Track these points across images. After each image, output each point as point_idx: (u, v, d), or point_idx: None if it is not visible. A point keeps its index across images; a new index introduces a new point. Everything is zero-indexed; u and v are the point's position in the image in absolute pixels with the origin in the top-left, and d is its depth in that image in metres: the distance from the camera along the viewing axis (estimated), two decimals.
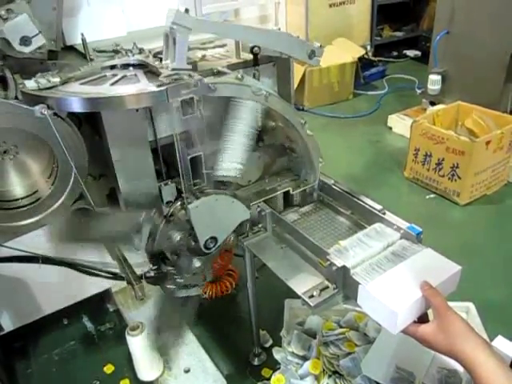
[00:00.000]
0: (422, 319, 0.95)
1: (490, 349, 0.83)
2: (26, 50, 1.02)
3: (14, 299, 1.68)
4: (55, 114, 0.97)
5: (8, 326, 1.69)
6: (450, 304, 0.92)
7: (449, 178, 2.47)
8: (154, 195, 1.18)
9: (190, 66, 1.03)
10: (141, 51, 1.21)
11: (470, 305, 1.49)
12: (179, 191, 1.20)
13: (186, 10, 0.95)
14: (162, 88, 0.95)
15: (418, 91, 3.91)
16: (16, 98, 0.98)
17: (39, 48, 1.05)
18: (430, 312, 0.95)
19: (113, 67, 1.16)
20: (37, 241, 1.53)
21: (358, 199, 1.22)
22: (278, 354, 1.44)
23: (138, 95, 0.95)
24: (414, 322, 0.94)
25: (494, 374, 0.79)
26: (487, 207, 2.48)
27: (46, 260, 1.56)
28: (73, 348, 1.76)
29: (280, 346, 1.46)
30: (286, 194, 1.33)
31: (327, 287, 1.03)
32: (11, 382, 1.61)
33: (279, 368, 1.39)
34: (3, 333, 1.67)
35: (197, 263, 1.17)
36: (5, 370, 1.62)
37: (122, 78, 1.07)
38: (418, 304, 0.92)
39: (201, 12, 3.34)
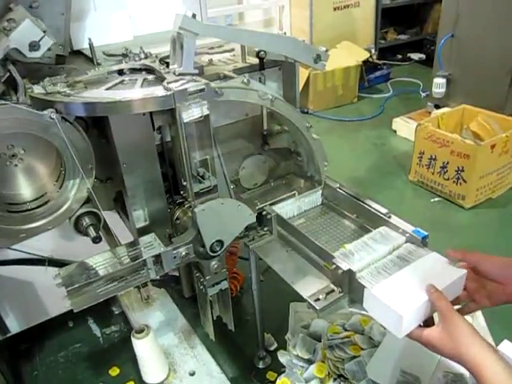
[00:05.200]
0: (427, 323, 0.95)
1: (495, 353, 0.82)
2: (37, 54, 1.03)
3: (20, 301, 1.69)
4: (63, 118, 0.98)
5: (14, 329, 1.70)
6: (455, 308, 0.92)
7: (454, 182, 2.47)
8: (161, 198, 1.19)
9: (196, 71, 1.04)
10: (147, 56, 1.22)
11: None
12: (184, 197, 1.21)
13: (193, 16, 0.96)
14: (168, 93, 0.96)
15: (423, 94, 3.90)
16: (25, 102, 0.99)
17: (49, 49, 1.06)
18: (435, 316, 0.95)
19: (120, 72, 1.18)
20: (43, 243, 1.54)
21: (363, 203, 1.22)
22: (282, 358, 1.44)
23: (144, 100, 0.96)
24: (420, 326, 0.94)
25: (500, 378, 0.78)
26: (492, 211, 2.47)
27: (52, 262, 1.58)
28: (78, 350, 1.77)
29: (285, 350, 1.47)
30: None
31: (333, 291, 1.03)
32: None
33: (284, 371, 1.40)
34: (10, 335, 1.69)
35: (215, 263, 1.19)
36: (11, 372, 1.63)
37: (129, 82, 1.08)
38: (424, 308, 0.92)
39: (206, 16, 3.35)
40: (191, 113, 0.97)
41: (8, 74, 1.02)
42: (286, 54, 1.14)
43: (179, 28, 0.96)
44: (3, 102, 0.95)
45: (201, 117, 0.98)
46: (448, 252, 1.00)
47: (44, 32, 1.04)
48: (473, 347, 0.83)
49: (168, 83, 0.98)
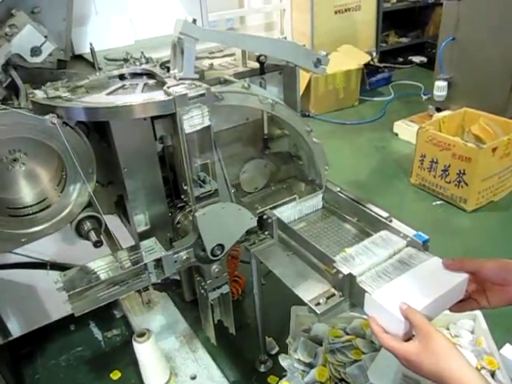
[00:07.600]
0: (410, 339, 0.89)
1: (474, 367, 0.79)
2: (39, 59, 1.04)
3: (22, 305, 1.69)
4: (64, 122, 0.99)
5: (16, 332, 1.70)
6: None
7: (455, 185, 2.47)
8: (162, 203, 1.19)
9: (197, 76, 1.04)
10: (148, 60, 1.23)
11: (478, 312, 1.48)
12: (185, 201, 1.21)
13: (194, 21, 0.96)
14: (169, 97, 0.96)
15: (424, 97, 3.91)
16: (26, 107, 1.00)
17: (50, 54, 1.07)
18: None
19: (121, 76, 1.18)
20: (44, 247, 1.54)
21: (364, 206, 1.22)
22: (284, 361, 1.44)
23: (145, 104, 0.96)
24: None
25: None
26: (494, 214, 2.47)
27: (54, 266, 1.58)
28: (80, 354, 1.77)
29: (286, 353, 1.46)
30: None
31: (334, 295, 1.02)
32: None
33: (285, 375, 1.39)
34: (11, 338, 1.69)
35: (216, 267, 1.19)
36: (13, 375, 1.63)
37: (130, 87, 1.09)
38: (424, 313, 0.92)
39: (207, 20, 3.36)
40: (193, 123, 0.98)
41: (10, 79, 1.03)
42: (287, 59, 1.15)
43: (180, 33, 0.97)
44: (4, 106, 0.95)
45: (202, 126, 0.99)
46: (446, 263, 0.98)
47: (45, 37, 1.04)
48: (454, 361, 0.77)
49: (168, 88, 0.98)
